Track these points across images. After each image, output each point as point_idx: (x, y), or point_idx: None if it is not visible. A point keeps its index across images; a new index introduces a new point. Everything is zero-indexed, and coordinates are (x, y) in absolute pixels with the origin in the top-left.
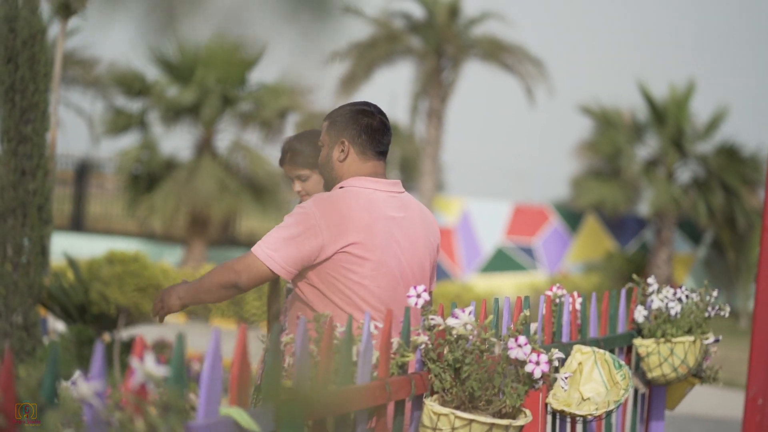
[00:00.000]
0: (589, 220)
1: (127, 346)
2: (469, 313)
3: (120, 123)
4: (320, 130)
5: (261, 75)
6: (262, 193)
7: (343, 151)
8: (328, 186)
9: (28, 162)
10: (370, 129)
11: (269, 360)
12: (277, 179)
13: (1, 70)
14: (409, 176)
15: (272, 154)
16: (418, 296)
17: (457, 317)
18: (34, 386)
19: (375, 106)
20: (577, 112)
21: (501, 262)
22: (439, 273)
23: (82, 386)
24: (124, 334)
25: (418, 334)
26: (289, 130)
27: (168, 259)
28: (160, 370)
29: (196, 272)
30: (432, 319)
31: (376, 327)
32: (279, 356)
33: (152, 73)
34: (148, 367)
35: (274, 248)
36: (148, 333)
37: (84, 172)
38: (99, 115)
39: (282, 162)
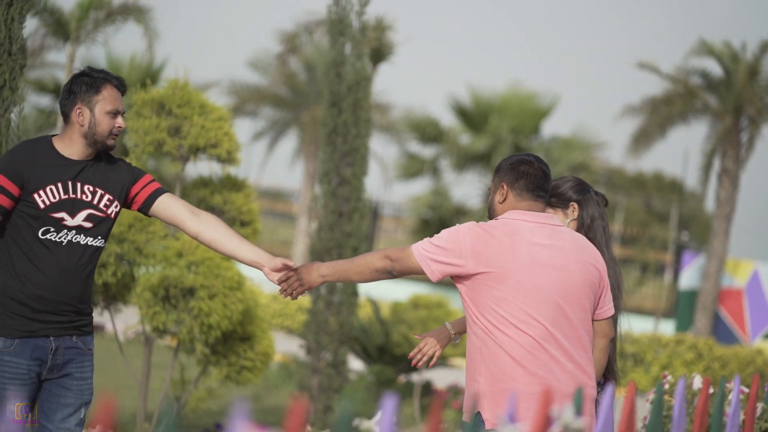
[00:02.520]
0: None
1: (426, 389)
2: None
3: (413, 168)
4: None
5: (555, 126)
6: None
7: (502, 194)
8: None
9: (346, 204)
10: (527, 175)
11: (652, 417)
12: None
13: (325, 114)
14: (694, 235)
15: None
16: None
17: None
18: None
19: (536, 157)
20: None
21: None
22: (726, 334)
23: (507, 429)
24: (424, 376)
25: None
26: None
27: (456, 304)
28: (578, 422)
29: None
30: None
31: (741, 391)
32: (661, 410)
33: (447, 119)
34: (566, 417)
35: (429, 252)
36: (443, 377)
37: (375, 214)
38: (393, 159)
39: None
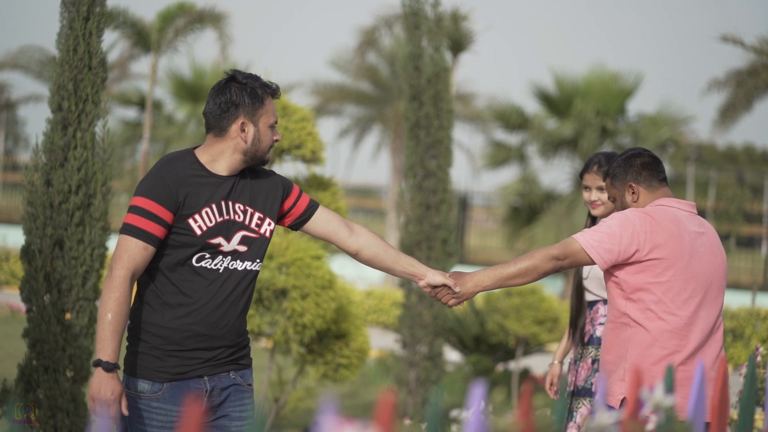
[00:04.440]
0: None
1: (524, 376)
2: None
3: (499, 157)
4: (614, 155)
5: (640, 105)
6: None
7: (633, 192)
8: None
9: (433, 197)
10: (646, 165)
11: (746, 390)
12: None
13: (406, 108)
14: None
15: None
16: None
17: None
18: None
19: (637, 148)
20: None
21: None
22: None
23: (602, 416)
24: (521, 363)
25: None
26: (668, 160)
27: (549, 290)
28: (669, 400)
29: None
30: None
31: None
32: (755, 386)
33: (531, 106)
34: (657, 396)
35: (597, 240)
36: (540, 364)
37: (464, 204)
38: (479, 148)
39: (586, 171)
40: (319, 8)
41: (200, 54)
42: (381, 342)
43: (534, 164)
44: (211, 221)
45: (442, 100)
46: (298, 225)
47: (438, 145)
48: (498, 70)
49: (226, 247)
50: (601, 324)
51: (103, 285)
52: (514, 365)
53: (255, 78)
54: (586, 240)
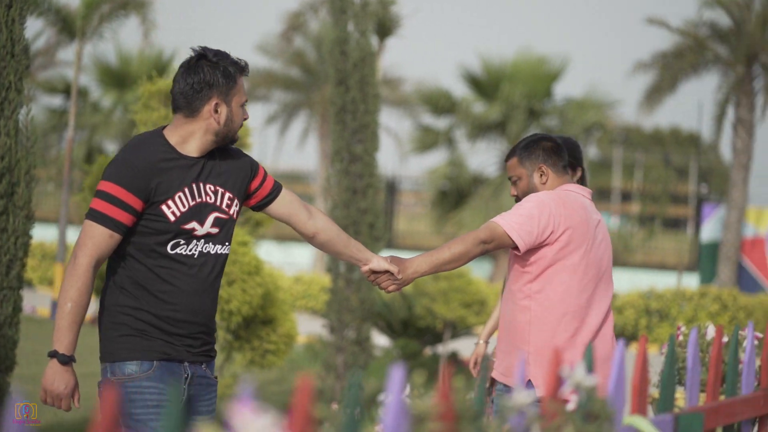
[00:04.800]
0: None
1: (453, 359)
2: None
3: (427, 141)
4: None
5: (567, 88)
6: None
7: (543, 174)
8: None
9: (359, 181)
10: (554, 149)
11: (666, 369)
12: None
13: (332, 92)
14: (714, 187)
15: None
16: None
17: None
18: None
19: (542, 133)
20: None
21: None
22: (751, 283)
23: (520, 395)
24: (449, 346)
25: None
26: (594, 143)
27: (477, 273)
28: (591, 380)
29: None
30: None
31: (757, 337)
32: (675, 365)
33: (459, 90)
34: (578, 375)
35: (518, 222)
36: (468, 347)
37: (392, 189)
38: (407, 133)
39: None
40: None
41: (126, 40)
42: (310, 327)
43: (462, 148)
44: (184, 206)
45: (368, 84)
46: (261, 206)
47: (364, 130)
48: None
49: (200, 230)
50: None
51: (65, 271)
52: (442, 348)
53: (225, 55)
54: (507, 223)
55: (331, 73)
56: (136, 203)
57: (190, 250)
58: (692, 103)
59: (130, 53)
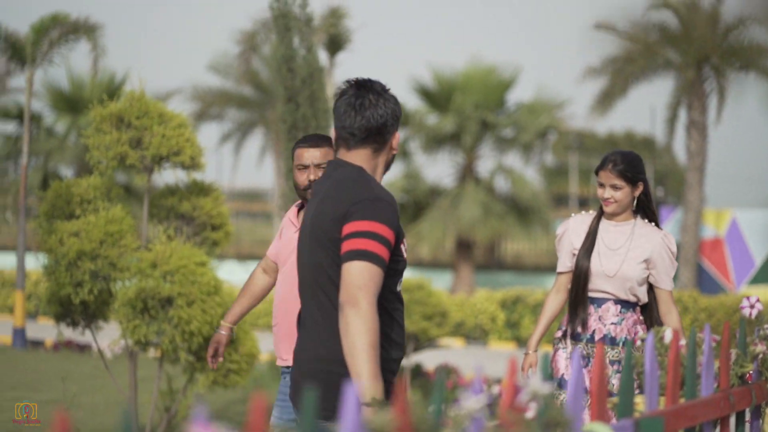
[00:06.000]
0: None
1: (417, 372)
2: None
3: None
4: (630, 155)
5: (520, 96)
6: (526, 214)
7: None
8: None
9: None
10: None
11: (624, 375)
12: (541, 199)
13: (283, 110)
14: (670, 190)
15: (534, 175)
16: (752, 306)
17: None
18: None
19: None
20: None
21: None
22: (711, 284)
23: (470, 401)
24: (413, 359)
25: (756, 345)
26: (550, 149)
27: (437, 284)
28: (546, 388)
29: (470, 297)
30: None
31: (714, 340)
32: (633, 371)
33: (412, 102)
34: (534, 384)
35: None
36: (433, 358)
37: None
38: None
39: (601, 168)
40: (197, 14)
41: (78, 65)
42: (271, 345)
43: (417, 160)
44: (405, 242)
45: (318, 100)
46: None
47: None
48: (378, 67)
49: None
50: (613, 323)
51: (345, 317)
52: (406, 361)
53: (376, 82)
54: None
55: (280, 91)
56: (392, 245)
57: (399, 287)
58: (645, 106)
59: (82, 78)
